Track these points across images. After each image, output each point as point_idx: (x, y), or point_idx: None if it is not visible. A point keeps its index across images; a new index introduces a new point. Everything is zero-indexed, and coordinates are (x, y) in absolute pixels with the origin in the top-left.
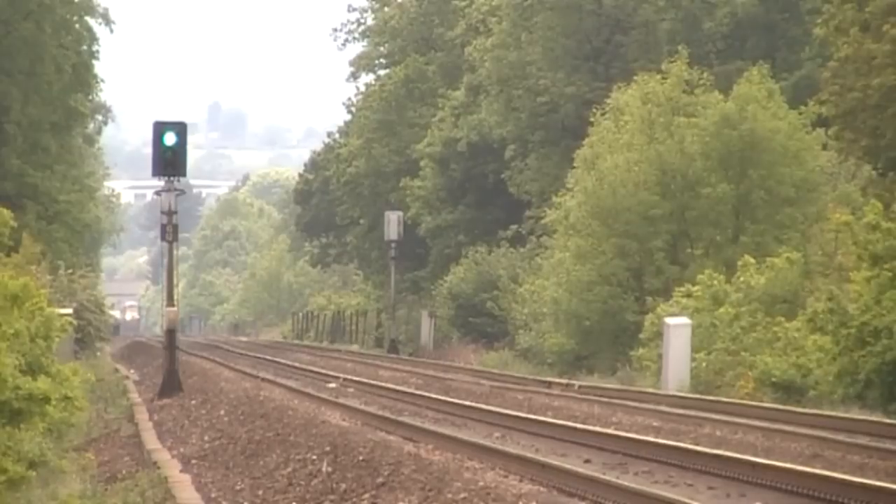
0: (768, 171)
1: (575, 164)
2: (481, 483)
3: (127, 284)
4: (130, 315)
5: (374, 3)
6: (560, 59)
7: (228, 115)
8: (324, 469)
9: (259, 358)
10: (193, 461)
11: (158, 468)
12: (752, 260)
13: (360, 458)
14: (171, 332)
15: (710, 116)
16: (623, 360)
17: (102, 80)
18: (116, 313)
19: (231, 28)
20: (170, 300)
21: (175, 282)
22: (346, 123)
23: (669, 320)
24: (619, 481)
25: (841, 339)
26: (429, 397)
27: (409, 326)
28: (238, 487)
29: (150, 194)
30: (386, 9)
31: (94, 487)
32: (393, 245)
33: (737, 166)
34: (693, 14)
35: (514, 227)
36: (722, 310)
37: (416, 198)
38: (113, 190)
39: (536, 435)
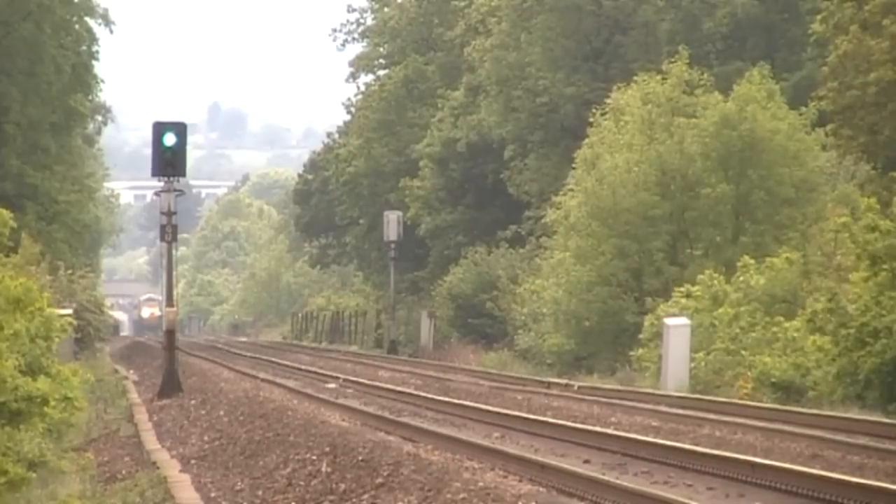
0: (768, 172)
1: (575, 165)
2: (481, 483)
3: (126, 285)
4: (148, 311)
5: (373, 3)
6: (560, 60)
7: (228, 115)
8: (323, 469)
9: (258, 358)
10: (193, 461)
11: (158, 468)
12: (752, 260)
13: (360, 458)
14: (170, 333)
15: (709, 117)
16: (622, 360)
17: (102, 81)
18: (118, 313)
19: (231, 28)
20: (169, 301)
21: (174, 282)
22: (346, 123)
23: (669, 321)
24: (619, 481)
25: (840, 339)
26: (428, 398)
27: (408, 327)
28: (237, 488)
29: (149, 195)
30: (385, 9)
31: (93, 488)
32: (392, 245)
33: (736, 167)
34: (693, 14)
35: (513, 227)
36: (721, 310)
37: (415, 198)
38: (113, 190)
39: (536, 435)
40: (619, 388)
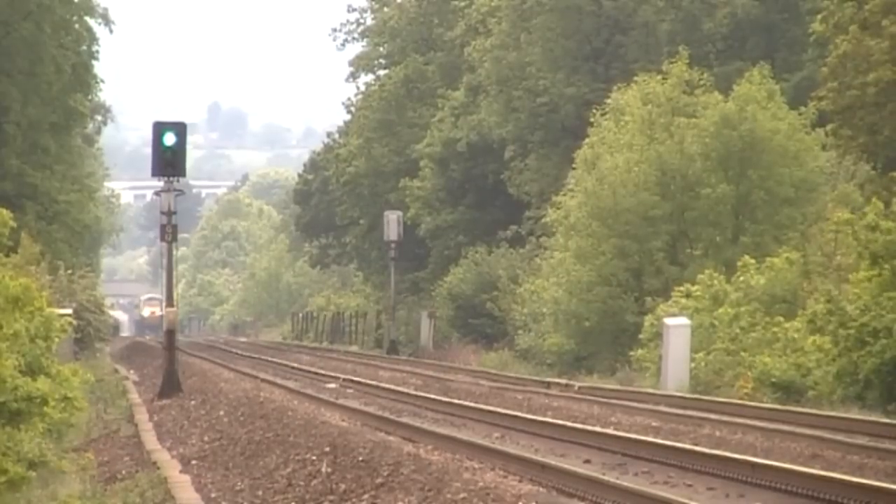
0: (768, 172)
1: (575, 165)
2: (481, 483)
3: (126, 285)
4: (149, 311)
5: (373, 3)
6: (560, 60)
7: (228, 115)
8: (323, 469)
9: (258, 359)
10: (193, 462)
11: (158, 469)
12: (752, 260)
13: (360, 458)
14: (170, 333)
15: (710, 117)
16: (623, 360)
17: (102, 81)
18: (118, 313)
19: (231, 28)
20: (169, 301)
21: (174, 282)
22: (346, 123)
23: (669, 321)
24: (619, 481)
25: (840, 339)
26: (428, 398)
27: (408, 327)
28: (238, 488)
29: (149, 194)
30: (385, 9)
31: (93, 488)
32: (392, 245)
33: (736, 167)
34: (693, 15)
35: (513, 227)
36: (721, 310)
37: (415, 198)
38: (113, 190)
39: (536, 435)
40: (619, 388)
